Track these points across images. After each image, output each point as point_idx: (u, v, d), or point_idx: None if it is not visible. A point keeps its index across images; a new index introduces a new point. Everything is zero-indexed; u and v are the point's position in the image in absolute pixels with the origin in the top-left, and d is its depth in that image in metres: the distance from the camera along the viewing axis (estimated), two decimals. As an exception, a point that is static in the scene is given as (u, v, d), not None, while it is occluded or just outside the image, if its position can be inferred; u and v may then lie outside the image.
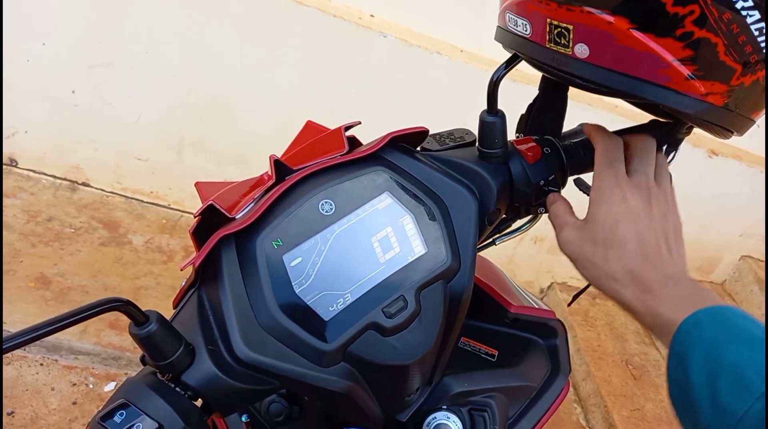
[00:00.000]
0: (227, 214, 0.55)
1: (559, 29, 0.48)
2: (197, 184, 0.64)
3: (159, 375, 0.49)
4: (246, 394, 0.49)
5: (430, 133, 0.63)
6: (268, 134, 2.13)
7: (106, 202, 2.24)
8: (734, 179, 2.51)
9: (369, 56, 2.06)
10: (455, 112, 2.16)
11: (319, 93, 2.10)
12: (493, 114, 0.60)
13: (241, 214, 0.55)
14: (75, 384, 1.65)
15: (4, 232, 1.97)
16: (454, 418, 0.67)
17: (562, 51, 0.49)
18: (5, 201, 2.08)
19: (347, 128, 0.62)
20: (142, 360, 0.50)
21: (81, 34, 1.94)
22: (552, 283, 2.63)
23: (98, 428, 0.44)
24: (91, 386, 1.67)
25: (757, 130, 0.62)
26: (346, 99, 2.12)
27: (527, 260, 2.56)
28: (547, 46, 0.50)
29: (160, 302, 1.90)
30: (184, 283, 0.57)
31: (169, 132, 2.16)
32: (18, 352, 1.68)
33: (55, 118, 2.12)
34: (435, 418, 0.66)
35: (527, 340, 0.77)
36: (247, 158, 2.20)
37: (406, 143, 0.60)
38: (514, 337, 0.77)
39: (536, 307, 0.76)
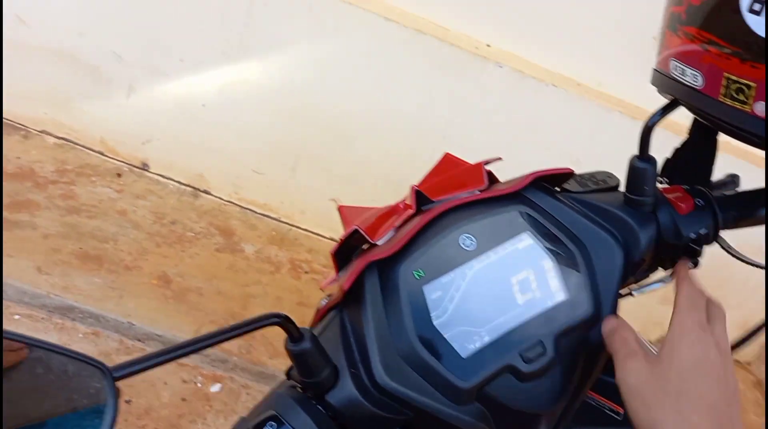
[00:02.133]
0: (370, 240, 0.57)
1: (739, 85, 0.46)
2: (340, 208, 0.67)
3: (300, 390, 0.51)
4: (381, 421, 0.50)
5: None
6: (382, 157, 2.19)
7: (223, 210, 2.39)
8: None
9: (484, 86, 2.07)
10: (571, 149, 2.11)
11: (434, 120, 2.13)
12: (644, 160, 0.58)
13: (382, 241, 0.57)
14: (185, 381, 1.76)
15: (134, 231, 2.15)
16: (573, 469, 0.64)
17: (739, 107, 0.46)
18: (137, 202, 2.27)
19: (486, 163, 0.62)
20: (288, 374, 0.53)
21: (217, 54, 2.11)
22: (660, 336, 2.46)
23: None
24: (199, 385, 1.77)
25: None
26: (459, 127, 2.13)
27: (634, 310, 2.42)
28: (721, 99, 0.47)
29: (266, 311, 1.98)
30: (324, 303, 0.60)
31: (286, 149, 2.28)
32: (139, 344, 1.82)
33: (186, 129, 2.30)
34: (553, 466, 0.64)
35: None
36: (359, 179, 2.26)
37: (547, 183, 0.60)
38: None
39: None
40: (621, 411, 0.69)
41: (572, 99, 2.05)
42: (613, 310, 0.55)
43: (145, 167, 2.42)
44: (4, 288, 1.86)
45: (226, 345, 1.83)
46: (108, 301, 1.87)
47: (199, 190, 2.43)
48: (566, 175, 0.59)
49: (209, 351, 1.81)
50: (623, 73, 2.02)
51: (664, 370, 0.48)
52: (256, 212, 2.43)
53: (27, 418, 0.44)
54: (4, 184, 2.15)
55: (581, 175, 0.63)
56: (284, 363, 1.73)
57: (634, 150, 0.61)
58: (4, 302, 1.86)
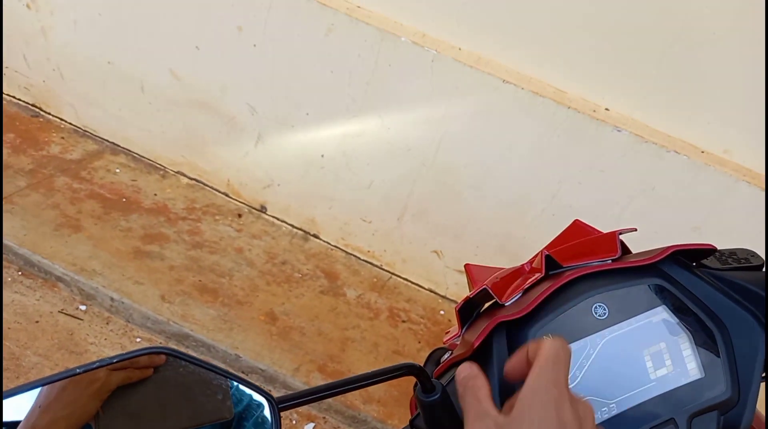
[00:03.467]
0: (498, 300, 0.58)
1: None
2: (467, 266, 0.69)
3: None
4: None
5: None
6: (490, 213, 2.20)
7: (329, 254, 2.49)
8: None
9: (600, 149, 2.03)
10: (691, 218, 2.01)
11: (546, 181, 2.12)
12: None
13: (510, 302, 0.59)
14: (282, 417, 1.82)
15: (248, 268, 2.29)
16: None
17: None
18: (253, 241, 2.43)
19: (621, 233, 0.62)
20: (412, 422, 0.55)
21: (341, 109, 2.25)
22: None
23: None
24: (294, 422, 1.82)
25: None
26: (571, 190, 2.11)
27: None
28: None
29: (363, 356, 2.02)
30: (448, 356, 0.61)
31: (395, 200, 2.35)
32: (242, 376, 1.91)
33: (304, 177, 2.45)
34: None
35: None
36: (463, 233, 2.28)
37: (685, 258, 0.59)
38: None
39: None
40: None
41: (696, 166, 1.96)
42: (755, 394, 0.52)
43: (263, 210, 2.60)
44: (132, 312, 2.04)
45: (324, 387, 1.87)
46: (219, 333, 1.99)
47: (309, 233, 2.55)
48: (707, 251, 0.57)
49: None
50: (752, 141, 1.92)
51: None
52: (359, 258, 2.51)
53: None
54: (141, 216, 2.39)
55: (721, 252, 0.61)
56: (376, 409, 1.75)
57: (761, 223, 0.58)
58: (131, 325, 2.04)
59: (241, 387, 0.46)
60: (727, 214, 1.94)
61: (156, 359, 0.47)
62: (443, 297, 2.41)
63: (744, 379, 0.53)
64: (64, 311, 1.99)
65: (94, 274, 2.05)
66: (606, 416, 0.51)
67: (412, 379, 0.52)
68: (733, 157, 1.98)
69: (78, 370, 0.39)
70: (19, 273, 2.07)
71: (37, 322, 1.92)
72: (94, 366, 0.39)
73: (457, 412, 0.51)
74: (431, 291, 2.44)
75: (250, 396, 0.49)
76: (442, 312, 2.33)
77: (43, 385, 0.40)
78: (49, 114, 2.79)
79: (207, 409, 0.49)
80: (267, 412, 0.45)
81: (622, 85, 1.99)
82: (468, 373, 0.49)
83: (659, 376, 0.52)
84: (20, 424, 0.44)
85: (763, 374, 0.66)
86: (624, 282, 0.55)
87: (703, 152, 1.99)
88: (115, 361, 0.41)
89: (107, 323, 2.01)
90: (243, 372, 1.97)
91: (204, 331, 1.99)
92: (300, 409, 1.87)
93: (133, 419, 0.47)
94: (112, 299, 2.02)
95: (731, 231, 2.01)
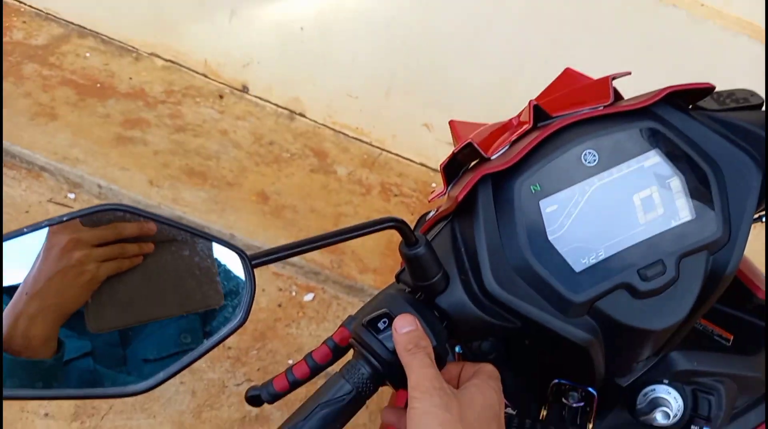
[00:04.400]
0: (484, 155, 0.56)
1: None
2: (452, 123, 0.66)
3: (409, 292, 0.53)
4: (488, 327, 0.51)
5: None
6: (478, 84, 2.12)
7: (317, 133, 2.44)
8: None
9: (596, 6, 1.92)
10: (690, 73, 1.94)
11: (537, 45, 2.02)
12: None
13: (497, 156, 0.57)
14: (281, 289, 1.88)
15: (235, 150, 2.25)
16: (675, 394, 0.63)
17: None
18: (237, 122, 2.37)
19: (614, 78, 0.59)
20: (398, 277, 0.55)
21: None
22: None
23: (363, 330, 0.49)
24: (293, 294, 1.89)
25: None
26: (565, 52, 2.01)
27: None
28: None
29: (356, 231, 2.05)
30: (433, 213, 0.61)
31: (380, 74, 2.26)
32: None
33: (284, 53, 2.33)
34: (654, 390, 0.64)
35: None
36: (452, 106, 2.22)
37: (682, 100, 0.56)
38: (754, 326, 0.70)
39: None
40: (730, 337, 0.67)
41: (695, 20, 1.87)
42: (746, 234, 0.52)
43: (245, 90, 2.50)
44: (121, 198, 2.03)
45: (318, 258, 1.92)
46: (212, 214, 2.00)
47: (295, 112, 2.48)
48: (704, 90, 0.54)
49: (302, 263, 1.91)
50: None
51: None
52: (348, 136, 2.46)
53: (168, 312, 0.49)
54: (119, 101, 2.30)
55: (719, 93, 0.59)
56: (372, 278, 1.80)
57: (762, 77, 0.55)
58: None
59: (215, 245, 0.45)
60: (727, 70, 1.87)
61: (145, 247, 0.46)
62: (435, 170, 2.40)
63: (735, 220, 0.52)
64: (53, 200, 1.98)
65: (78, 162, 2.01)
66: (594, 261, 0.51)
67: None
68: (733, 9, 1.88)
69: (25, 230, 0.38)
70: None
71: (27, 211, 1.91)
72: (43, 225, 0.38)
73: (441, 262, 0.51)
74: (422, 164, 2.43)
75: (236, 282, 0.48)
76: (434, 184, 2.34)
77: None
78: (5, -5, 2.58)
79: (196, 297, 0.49)
80: (239, 270, 0.44)
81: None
82: (411, 329, 0.48)
83: (649, 220, 0.51)
84: (5, 310, 0.43)
85: (761, 214, 0.66)
86: (615, 127, 0.53)
87: (703, 6, 1.89)
88: (65, 219, 0.39)
89: (99, 211, 2.01)
90: (239, 252, 2.00)
91: (197, 213, 1.99)
92: (299, 281, 1.93)
93: (122, 307, 0.46)
94: (99, 186, 2.00)
95: (730, 86, 1.95)
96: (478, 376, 0.50)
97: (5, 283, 0.43)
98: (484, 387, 0.49)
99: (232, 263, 0.46)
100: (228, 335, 0.44)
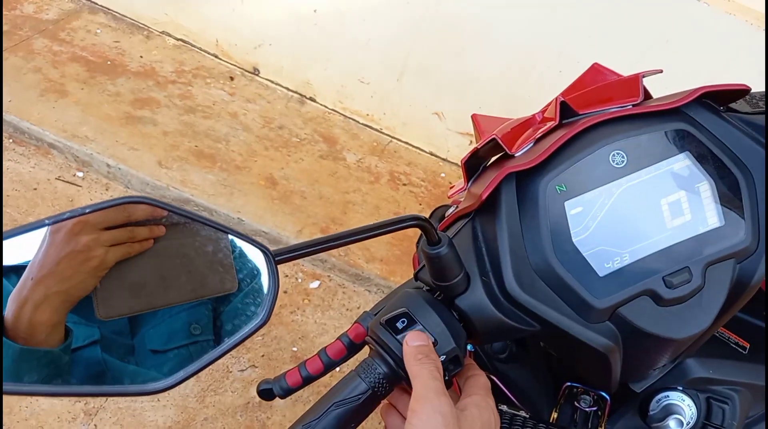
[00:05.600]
0: (508, 151, 0.54)
1: None
2: (474, 116, 0.64)
3: (428, 291, 0.51)
4: (508, 329, 0.50)
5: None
6: (493, 71, 2.09)
7: (327, 118, 2.41)
8: None
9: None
10: (710, 68, 1.91)
11: (552, 35, 1.98)
12: None
13: (521, 153, 0.55)
14: (287, 276, 1.87)
15: (244, 133, 2.23)
16: (689, 401, 0.62)
17: None
18: (247, 105, 2.34)
19: (644, 76, 0.57)
20: (416, 275, 0.53)
21: (332, -44, 2.05)
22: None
23: (381, 329, 0.48)
24: (299, 281, 1.88)
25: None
26: (580, 42, 1.98)
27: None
28: None
29: (364, 218, 2.04)
30: (453, 210, 0.59)
31: (394, 58, 2.23)
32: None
33: (296, 35, 2.30)
34: (667, 396, 0.63)
35: None
36: (466, 92, 2.19)
37: (713, 101, 0.54)
38: (773, 335, 0.69)
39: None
40: (746, 345, 0.66)
41: (717, 15, 1.83)
42: None
43: (255, 72, 2.47)
44: (130, 178, 2.02)
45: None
46: (220, 197, 1.99)
47: (305, 97, 2.46)
48: (739, 92, 0.52)
49: (312, 252, 1.90)
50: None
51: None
52: (358, 122, 2.44)
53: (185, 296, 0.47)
54: (129, 80, 2.28)
55: (752, 95, 0.56)
56: (379, 268, 1.78)
57: None
58: (131, 191, 2.03)
59: (237, 240, 0.43)
60: (749, 66, 1.84)
61: (156, 230, 0.43)
62: (444, 160, 2.38)
63: (765, 227, 0.50)
64: (61, 178, 1.97)
65: (87, 141, 2.00)
66: (618, 266, 0.49)
67: (413, 239, 0.49)
68: (756, 4, 1.83)
69: (47, 222, 0.36)
70: (10, 140, 2.02)
71: (35, 189, 1.91)
72: (65, 217, 0.36)
73: (462, 262, 0.50)
74: (432, 154, 2.40)
75: (251, 266, 0.46)
76: (443, 175, 2.32)
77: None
78: (16, -32, 2.56)
79: (210, 282, 0.46)
80: (263, 267, 0.42)
81: None
82: (423, 344, 0.47)
83: (676, 225, 0.50)
84: (11, 295, 0.41)
85: None
86: (645, 127, 0.51)
87: (729, 0, 1.85)
88: (87, 211, 0.37)
89: (107, 189, 2.00)
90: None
91: (205, 196, 1.98)
92: (305, 268, 1.92)
93: (133, 293, 0.44)
94: (108, 166, 1.99)
95: (753, 81, 1.92)
96: (476, 392, 0.49)
97: (14, 262, 0.41)
98: (483, 406, 0.48)
99: (246, 247, 0.44)
100: (250, 334, 0.43)
